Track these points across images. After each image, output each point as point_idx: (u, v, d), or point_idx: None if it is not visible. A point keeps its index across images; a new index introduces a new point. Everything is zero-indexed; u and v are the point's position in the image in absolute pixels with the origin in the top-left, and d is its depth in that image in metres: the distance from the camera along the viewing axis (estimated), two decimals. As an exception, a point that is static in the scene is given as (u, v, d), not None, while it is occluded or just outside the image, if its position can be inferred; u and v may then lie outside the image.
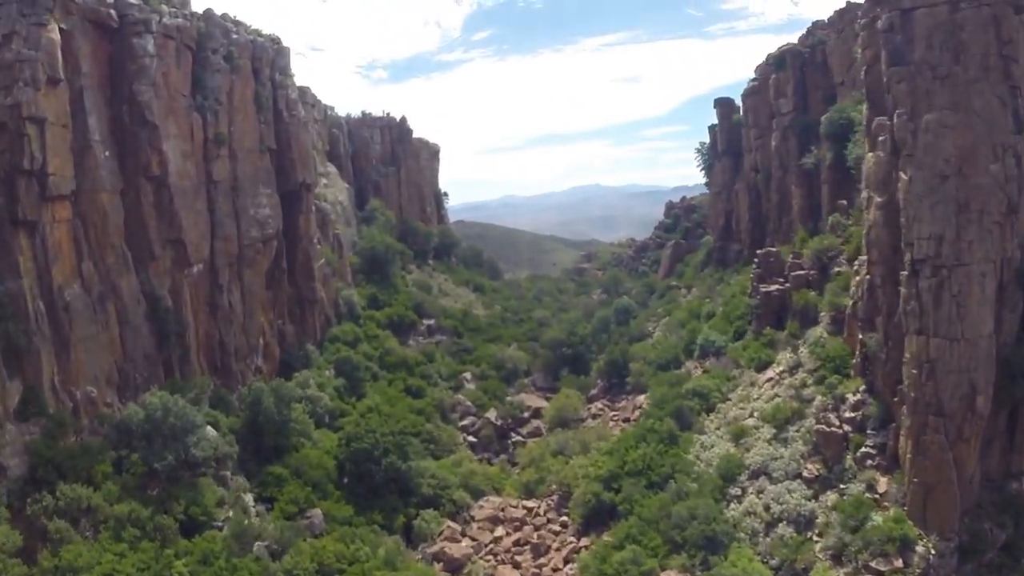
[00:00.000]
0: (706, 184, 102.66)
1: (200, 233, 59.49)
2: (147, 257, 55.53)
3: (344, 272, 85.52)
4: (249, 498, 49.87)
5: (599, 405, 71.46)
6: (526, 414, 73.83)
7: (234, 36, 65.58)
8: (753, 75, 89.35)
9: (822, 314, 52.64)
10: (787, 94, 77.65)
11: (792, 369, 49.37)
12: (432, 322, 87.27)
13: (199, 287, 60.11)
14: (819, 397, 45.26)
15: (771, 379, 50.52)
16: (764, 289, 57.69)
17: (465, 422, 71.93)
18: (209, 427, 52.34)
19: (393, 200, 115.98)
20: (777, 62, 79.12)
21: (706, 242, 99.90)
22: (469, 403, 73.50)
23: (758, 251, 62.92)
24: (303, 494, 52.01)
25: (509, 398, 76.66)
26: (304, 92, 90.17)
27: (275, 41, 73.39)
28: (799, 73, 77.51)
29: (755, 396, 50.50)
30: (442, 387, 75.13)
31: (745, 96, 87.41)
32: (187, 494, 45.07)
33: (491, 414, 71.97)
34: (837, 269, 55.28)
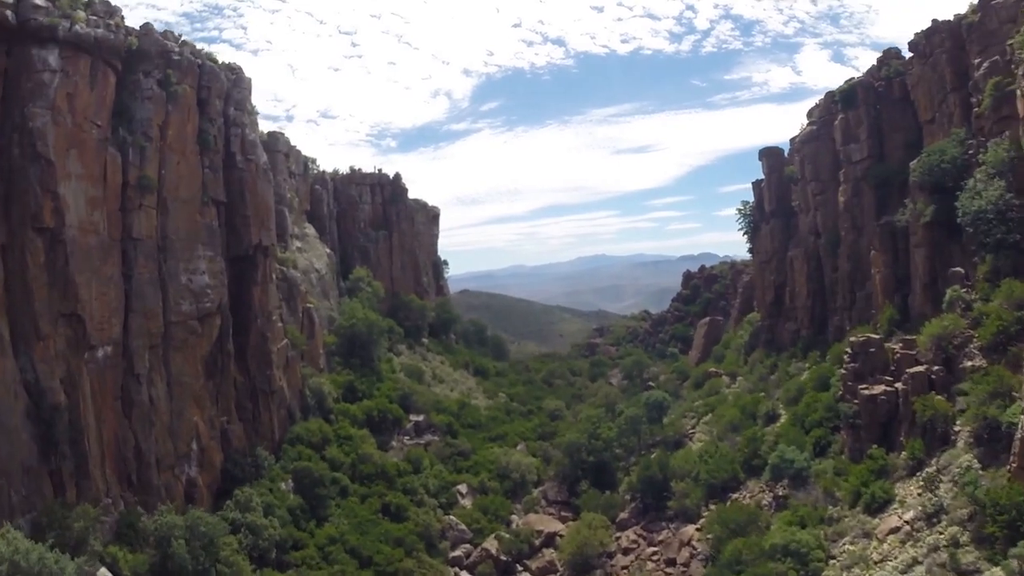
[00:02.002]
0: (749, 251, 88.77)
1: (108, 306, 45.96)
2: (31, 336, 42.08)
3: (315, 355, 71.29)
4: None
5: (632, 536, 56.14)
6: (536, 541, 58.53)
7: (175, 57, 52.85)
8: (807, 120, 76.64)
9: (960, 430, 37.78)
10: (859, 138, 64.91)
11: (931, 517, 34.10)
12: (421, 418, 72.58)
13: (106, 377, 46.40)
14: (994, 572, 29.53)
15: (898, 530, 35.18)
16: (867, 392, 42.88)
17: (457, 552, 56.89)
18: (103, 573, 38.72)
19: (383, 269, 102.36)
20: (845, 98, 66.52)
21: (751, 320, 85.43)
22: (463, 527, 58.43)
23: (852, 339, 48.50)
24: None
25: (514, 519, 61.66)
26: (276, 138, 77.73)
27: (233, 70, 60.58)
28: (873, 112, 64.42)
29: (876, 557, 34.95)
30: (429, 505, 60.30)
31: (799, 144, 74.36)
32: None
33: (491, 544, 56.81)
34: (969, 363, 40.74)
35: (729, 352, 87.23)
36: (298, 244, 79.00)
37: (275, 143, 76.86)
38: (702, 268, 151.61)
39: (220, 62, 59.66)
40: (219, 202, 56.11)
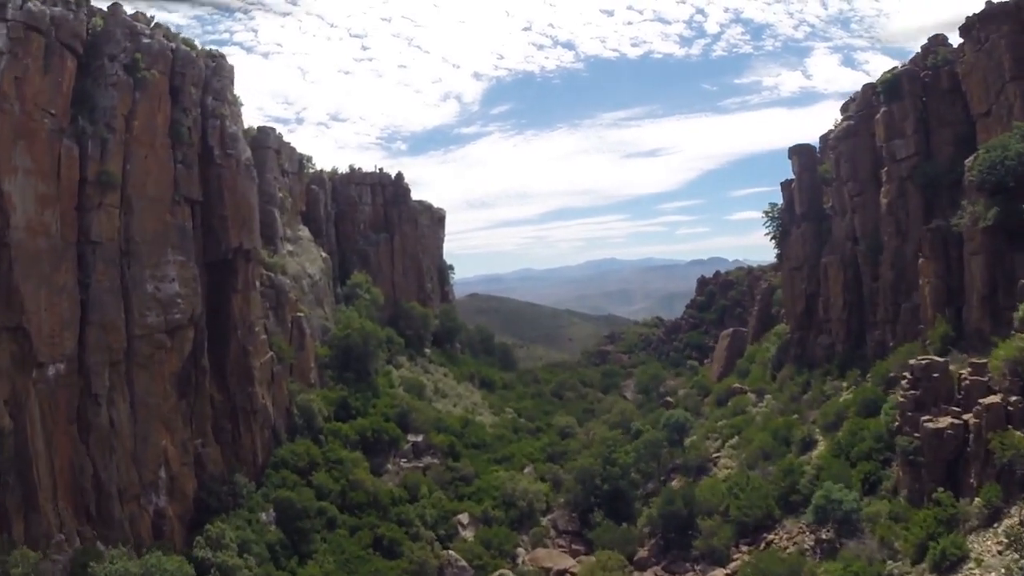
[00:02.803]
0: (777, 257, 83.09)
1: (59, 318, 41.27)
2: (-31, 353, 37.14)
3: (305, 369, 66.17)
4: None
5: (653, 577, 50.44)
6: (546, 580, 53.14)
7: (144, 40, 47.99)
8: (839, 115, 71.11)
9: (1046, 472, 32.19)
10: (905, 132, 59.29)
11: (1020, 581, 28.70)
12: (420, 439, 67.27)
13: (58, 398, 41.94)
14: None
15: (979, 596, 29.71)
16: (931, 425, 37.14)
17: (458, 593, 51.32)
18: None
19: (384, 274, 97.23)
20: (888, 90, 60.94)
21: (779, 332, 79.76)
22: (464, 563, 53.08)
23: (912, 362, 42.50)
24: None
25: (520, 552, 56.37)
26: (266, 133, 72.89)
27: (213, 56, 55.52)
28: (919, 104, 58.87)
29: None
30: (426, 539, 55.04)
31: (835, 141, 68.78)
32: None
33: (496, 584, 51.27)
34: (1052, 392, 35.05)
35: (755, 367, 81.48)
36: (290, 248, 73.95)
37: (265, 139, 72.02)
38: (717, 274, 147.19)
39: (199, 48, 54.68)
40: (194, 201, 51.13)
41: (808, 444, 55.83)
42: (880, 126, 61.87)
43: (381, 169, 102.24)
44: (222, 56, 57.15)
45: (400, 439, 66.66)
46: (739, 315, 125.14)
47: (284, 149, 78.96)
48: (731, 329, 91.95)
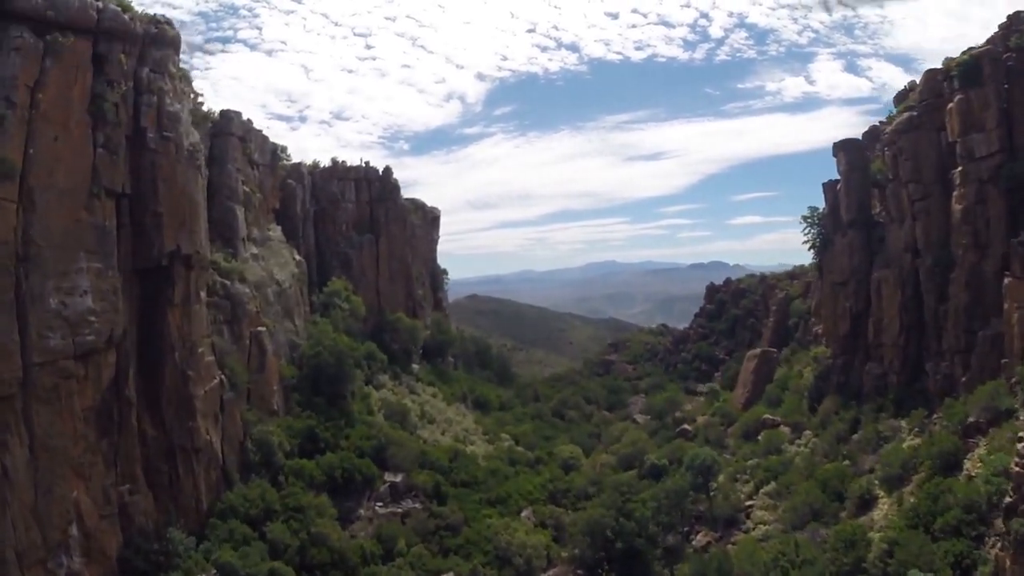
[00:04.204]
0: (818, 268, 74.41)
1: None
2: None
3: (265, 394, 57.62)
4: None
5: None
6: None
7: (58, -3, 39.23)
8: (894, 105, 62.72)
9: None
10: (986, 126, 50.88)
11: None
12: (399, 478, 58.61)
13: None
14: None
15: None
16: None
17: None
18: None
19: (368, 280, 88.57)
20: (964, 74, 52.63)
21: (818, 355, 70.95)
22: (447, 643, 44.11)
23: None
24: None
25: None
26: (228, 117, 64.23)
27: (155, 21, 46.72)
28: (1001, 92, 50.32)
29: None
30: (402, 611, 45.99)
31: (893, 135, 60.16)
32: None
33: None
34: None
35: (788, 396, 72.65)
36: (254, 250, 65.20)
37: (227, 124, 63.55)
38: (728, 281, 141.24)
39: (137, 11, 45.92)
40: (119, 194, 42.40)
41: (867, 502, 47.26)
42: (953, 118, 53.51)
43: (367, 163, 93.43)
44: (167, 22, 48.39)
45: (376, 479, 58.01)
46: (752, 326, 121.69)
47: (254, 137, 70.14)
48: (759, 350, 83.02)
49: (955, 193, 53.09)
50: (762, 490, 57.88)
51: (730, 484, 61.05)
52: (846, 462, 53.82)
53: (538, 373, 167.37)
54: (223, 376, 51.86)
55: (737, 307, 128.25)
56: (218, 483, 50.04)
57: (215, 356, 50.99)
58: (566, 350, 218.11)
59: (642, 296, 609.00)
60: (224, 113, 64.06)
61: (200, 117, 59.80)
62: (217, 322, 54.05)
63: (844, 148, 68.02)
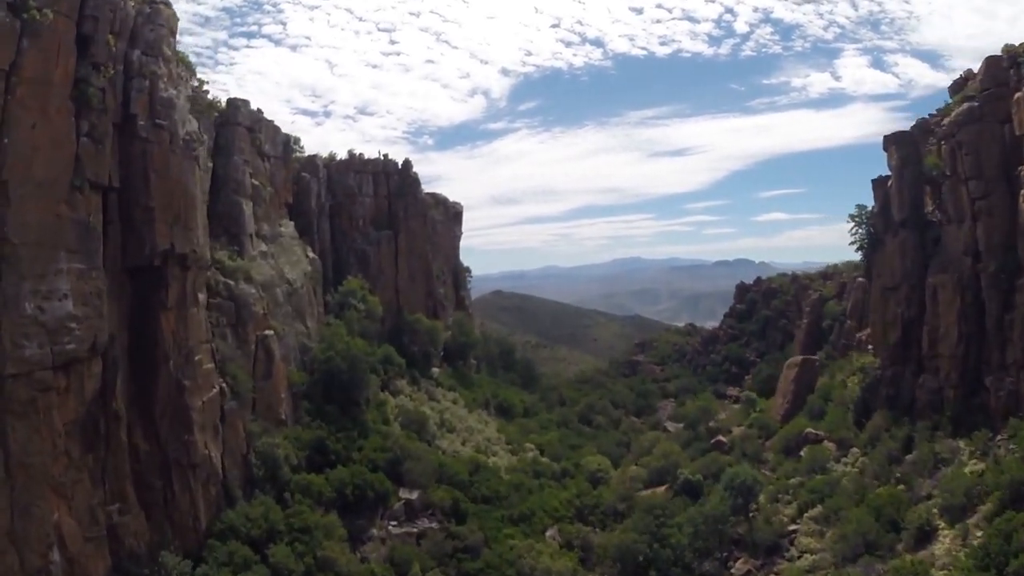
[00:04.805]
0: (866, 271, 69.91)
1: None
2: None
3: (273, 403, 54.29)
4: None
5: None
6: None
7: (37, -31, 35.80)
8: (951, 95, 58.07)
9: None
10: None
11: None
12: (415, 496, 54.98)
13: None
14: None
15: None
16: None
17: None
18: None
19: (386, 278, 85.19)
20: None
21: (863, 364, 66.50)
22: None
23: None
24: None
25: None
26: (236, 107, 60.81)
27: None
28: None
29: None
30: (413, 646, 42.48)
31: (952, 127, 55.55)
32: None
33: None
34: None
35: (832, 408, 68.18)
36: (264, 248, 61.77)
37: (234, 113, 60.16)
38: (758, 280, 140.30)
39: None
40: (106, 188, 38.97)
41: (927, 534, 42.97)
42: (1020, 109, 48.97)
43: (386, 155, 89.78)
44: (164, 1, 44.92)
45: (390, 495, 54.47)
46: (783, 328, 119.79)
47: (264, 128, 66.73)
48: (800, 358, 78.53)
49: (1022, 192, 48.53)
50: (807, 514, 53.62)
51: (771, 505, 56.87)
52: (900, 486, 49.50)
53: (562, 371, 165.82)
54: (225, 384, 48.56)
55: (768, 308, 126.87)
56: (218, 500, 46.68)
57: (215, 363, 47.62)
58: (590, 347, 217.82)
59: (667, 293, 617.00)
60: (231, 102, 60.68)
61: (205, 106, 56.57)
62: (220, 325, 50.71)
63: (896, 141, 63.31)
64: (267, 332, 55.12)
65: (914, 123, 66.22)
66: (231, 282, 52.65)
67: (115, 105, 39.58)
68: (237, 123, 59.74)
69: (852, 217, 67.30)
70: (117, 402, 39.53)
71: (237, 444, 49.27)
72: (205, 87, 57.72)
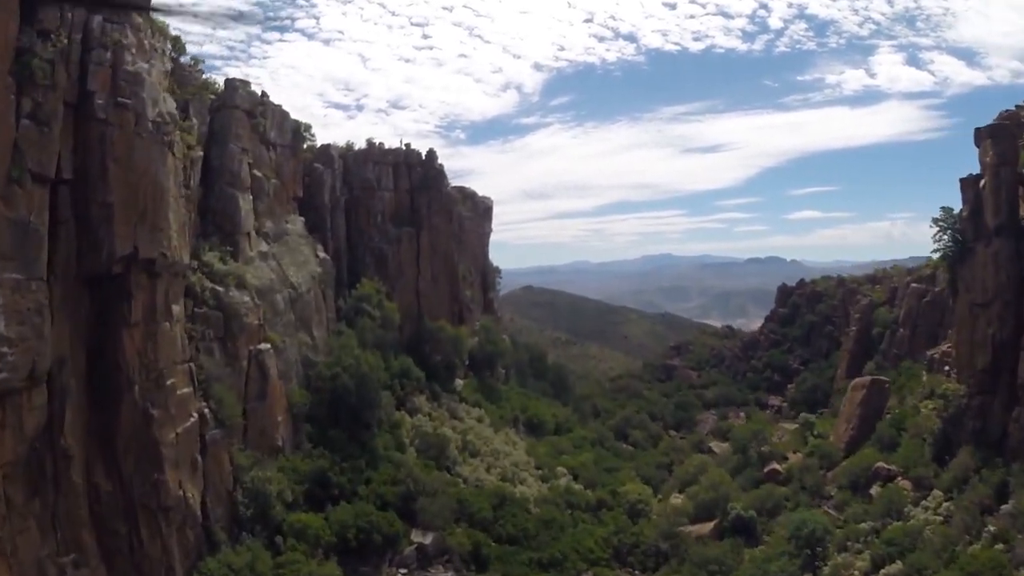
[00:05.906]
0: (951, 283, 62.05)
1: None
2: None
3: (268, 427, 48.00)
4: None
5: None
6: None
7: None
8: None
9: None
10: None
11: None
12: (429, 540, 48.22)
13: None
14: None
15: None
16: None
17: None
18: None
19: (406, 280, 78.62)
20: None
21: (945, 392, 58.74)
22: None
23: None
24: None
25: None
26: (234, 88, 54.33)
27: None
28: None
29: None
30: None
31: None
32: None
33: None
34: None
35: (906, 439, 60.44)
36: (264, 247, 55.52)
37: (231, 95, 53.91)
38: (802, 283, 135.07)
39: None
40: (54, 181, 32.53)
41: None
42: None
43: (407, 144, 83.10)
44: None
45: (400, 537, 47.90)
46: (829, 334, 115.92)
47: (270, 113, 60.43)
48: (869, 379, 70.73)
49: None
50: (883, 570, 46.19)
51: (839, 556, 49.52)
52: (999, 545, 41.99)
53: (592, 368, 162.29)
54: (208, 409, 42.31)
55: (813, 312, 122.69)
56: (198, 546, 40.46)
57: (195, 386, 41.33)
58: (621, 344, 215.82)
59: (697, 290, 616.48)
60: (229, 82, 54.40)
61: (199, 86, 50.43)
62: (206, 339, 44.54)
63: (992, 135, 55.34)
64: (262, 346, 48.86)
65: (997, 116, 58.32)
66: (220, 289, 46.35)
67: (68, 81, 33.22)
68: (234, 106, 53.46)
69: (936, 221, 59.27)
70: (66, 438, 33.31)
71: (222, 479, 43.08)
72: (200, 65, 51.62)
